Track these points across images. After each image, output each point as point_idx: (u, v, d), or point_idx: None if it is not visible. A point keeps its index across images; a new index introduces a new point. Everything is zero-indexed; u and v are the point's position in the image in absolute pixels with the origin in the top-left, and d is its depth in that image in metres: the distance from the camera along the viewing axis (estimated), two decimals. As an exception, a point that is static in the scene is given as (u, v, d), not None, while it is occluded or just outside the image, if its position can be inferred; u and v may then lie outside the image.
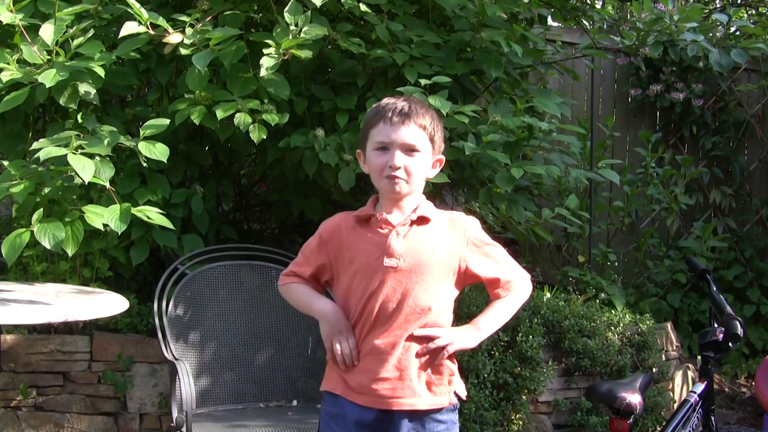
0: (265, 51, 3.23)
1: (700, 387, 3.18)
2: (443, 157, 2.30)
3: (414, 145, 2.19)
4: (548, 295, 4.47)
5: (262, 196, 4.54)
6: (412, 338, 2.18)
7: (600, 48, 4.62)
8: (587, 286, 4.93)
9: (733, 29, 5.93)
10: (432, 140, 2.23)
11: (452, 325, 2.27)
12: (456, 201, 4.51)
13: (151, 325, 3.63)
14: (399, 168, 2.18)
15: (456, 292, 2.27)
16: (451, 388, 2.25)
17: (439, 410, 2.23)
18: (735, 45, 5.56)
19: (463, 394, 2.29)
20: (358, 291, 2.21)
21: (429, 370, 2.21)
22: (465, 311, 3.94)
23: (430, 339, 2.19)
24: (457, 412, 2.29)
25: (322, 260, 2.29)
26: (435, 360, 2.20)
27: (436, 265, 2.20)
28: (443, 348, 2.20)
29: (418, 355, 2.19)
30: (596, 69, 5.22)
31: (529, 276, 2.35)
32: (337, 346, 2.20)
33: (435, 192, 3.70)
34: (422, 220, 2.24)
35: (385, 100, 2.27)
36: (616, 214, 5.76)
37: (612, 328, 4.30)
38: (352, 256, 2.23)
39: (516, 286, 2.29)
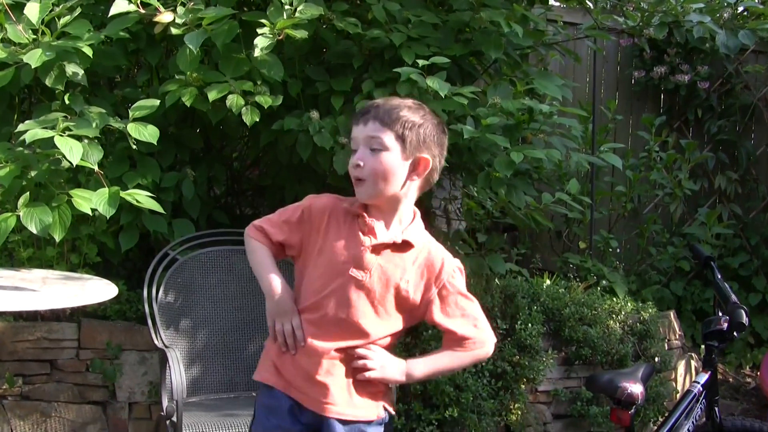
0: (259, 31, 3.22)
1: (704, 377, 3.19)
2: (428, 158, 2.18)
3: (376, 140, 2.13)
4: (548, 282, 4.48)
5: (255, 180, 4.53)
6: (346, 350, 2.18)
7: (603, 29, 4.61)
8: (588, 274, 4.94)
9: (740, 9, 5.91)
10: (401, 137, 2.13)
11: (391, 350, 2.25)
12: (454, 185, 4.51)
13: (140, 312, 3.63)
14: (358, 165, 2.14)
15: (402, 327, 2.24)
16: (379, 402, 2.24)
17: (368, 422, 2.22)
18: (743, 26, 5.56)
19: (392, 409, 2.28)
20: (316, 284, 2.19)
21: (357, 383, 2.20)
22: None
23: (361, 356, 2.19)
24: (383, 426, 2.26)
25: (296, 237, 2.25)
26: (356, 376, 2.19)
27: (397, 297, 2.18)
28: (367, 370, 2.18)
29: (346, 366, 2.19)
30: (599, 51, 5.22)
31: (494, 340, 2.27)
32: (279, 326, 2.20)
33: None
34: (405, 246, 2.19)
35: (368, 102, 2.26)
36: (618, 199, 5.76)
37: (613, 316, 4.31)
38: (323, 247, 2.20)
39: (475, 345, 2.23)
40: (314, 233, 2.22)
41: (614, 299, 4.53)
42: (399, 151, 2.14)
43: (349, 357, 2.18)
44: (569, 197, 4.23)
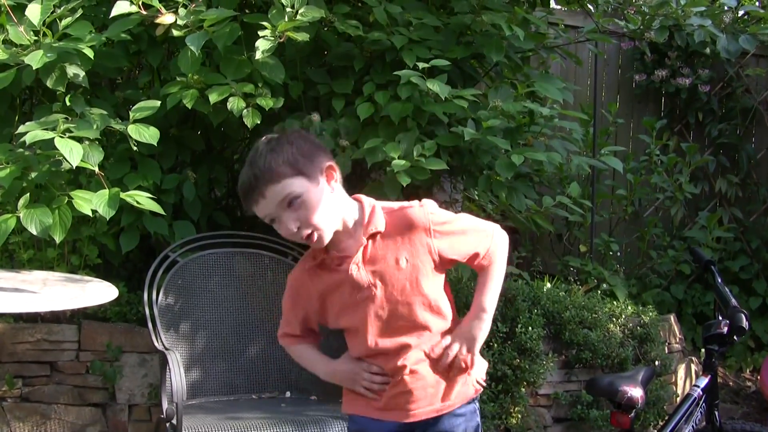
0: (260, 33, 3.23)
1: (704, 381, 3.19)
2: (330, 163, 2.10)
3: (286, 197, 2.03)
4: (548, 285, 4.48)
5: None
6: (420, 353, 2.17)
7: (604, 32, 4.62)
8: (588, 277, 4.94)
9: (741, 13, 5.93)
10: (297, 172, 2.04)
11: (452, 307, 2.23)
12: (455, 188, 4.51)
13: (140, 314, 3.64)
14: (297, 227, 2.05)
15: (442, 277, 2.19)
16: (470, 381, 2.24)
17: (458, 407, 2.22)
18: (744, 30, 5.56)
19: (483, 377, 2.27)
20: (351, 328, 2.20)
21: (445, 375, 2.19)
22: (463, 301, 3.96)
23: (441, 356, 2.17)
24: (475, 401, 2.27)
25: (302, 314, 2.26)
26: (458, 370, 2.19)
27: (406, 273, 2.13)
28: (461, 357, 2.17)
29: (433, 367, 2.17)
30: (600, 54, 5.22)
31: (498, 226, 2.24)
32: (360, 388, 2.19)
33: (433, 179, 3.70)
34: (374, 236, 2.13)
35: (239, 182, 2.10)
36: (619, 202, 5.77)
37: (614, 319, 4.32)
38: (329, 302, 2.19)
39: (494, 247, 2.19)
40: (311, 300, 2.22)
41: (615, 303, 4.54)
42: (306, 184, 2.05)
43: (421, 358, 2.16)
44: (570, 200, 4.23)
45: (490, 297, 2.21)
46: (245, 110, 3.30)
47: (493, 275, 2.21)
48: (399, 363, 2.15)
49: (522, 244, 5.44)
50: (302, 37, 3.26)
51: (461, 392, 2.22)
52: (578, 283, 4.80)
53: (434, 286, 2.17)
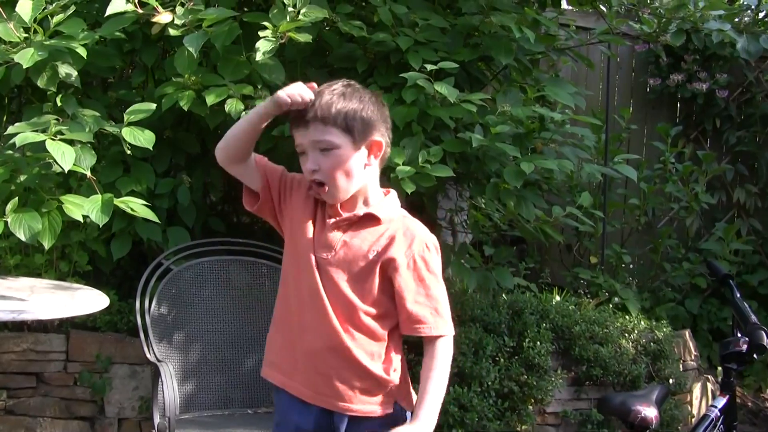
0: (260, 34, 3.25)
1: (722, 401, 3.20)
2: (380, 140, 2.21)
3: (324, 142, 2.15)
4: (557, 298, 4.51)
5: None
6: (341, 336, 2.19)
7: (617, 34, 4.64)
8: (599, 290, 4.97)
9: (762, 14, 5.95)
10: (348, 129, 2.15)
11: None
12: (460, 196, 4.54)
13: (132, 324, 3.66)
14: (315, 170, 2.16)
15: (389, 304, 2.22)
16: (390, 398, 2.25)
17: (373, 417, 2.23)
18: (764, 31, 5.58)
19: (406, 404, 2.27)
20: (288, 275, 2.26)
21: (362, 376, 2.21)
22: (468, 314, 3.99)
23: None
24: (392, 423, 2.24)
25: (276, 175, 2.29)
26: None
27: (367, 264, 2.19)
28: None
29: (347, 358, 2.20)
30: (612, 56, 5.25)
31: (452, 332, 2.23)
32: (285, 96, 2.16)
33: (438, 186, 3.72)
34: (371, 220, 2.22)
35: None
36: (632, 212, 5.79)
37: (626, 334, 4.34)
38: (298, 223, 2.24)
39: (429, 331, 2.19)
40: (287, 200, 2.28)
41: (627, 317, 4.56)
42: (349, 144, 2.16)
43: (347, 350, 2.18)
44: (581, 210, 4.25)
45: (431, 408, 2.16)
46: (243, 112, 3.30)
47: (435, 385, 2.17)
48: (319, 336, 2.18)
49: (530, 255, 5.47)
50: (304, 37, 3.29)
51: (373, 404, 2.23)
52: (588, 296, 4.82)
53: (376, 297, 2.20)
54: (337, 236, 2.20)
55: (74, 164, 3.17)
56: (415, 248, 2.21)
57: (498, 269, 4.15)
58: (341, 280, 2.18)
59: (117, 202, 3.28)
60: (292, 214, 2.26)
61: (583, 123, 4.29)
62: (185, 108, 3.36)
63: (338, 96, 2.17)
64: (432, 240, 2.26)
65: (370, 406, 2.22)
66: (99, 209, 3.24)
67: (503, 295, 4.25)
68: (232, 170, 2.30)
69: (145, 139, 3.31)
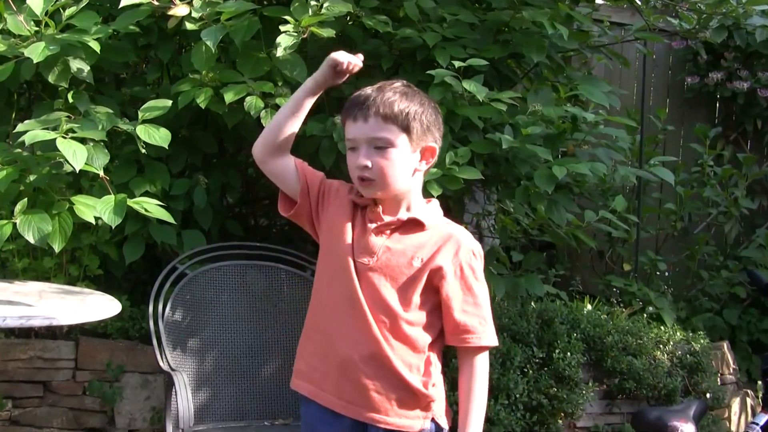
0: (281, 28, 3.24)
1: (763, 418, 3.17)
2: (434, 146, 2.24)
3: (382, 139, 2.17)
4: (589, 307, 4.49)
5: (271, 188, 4.55)
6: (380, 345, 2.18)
7: (654, 30, 4.60)
8: (633, 298, 4.94)
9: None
10: (407, 129, 2.18)
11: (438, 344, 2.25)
12: (488, 199, 4.52)
13: (144, 331, 3.67)
14: (366, 167, 2.17)
15: (433, 314, 2.23)
16: (427, 414, 2.24)
17: None
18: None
19: (444, 421, 2.27)
20: (323, 280, 2.27)
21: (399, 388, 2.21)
22: (496, 323, 3.95)
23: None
24: None
25: (317, 179, 2.32)
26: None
27: (411, 272, 2.20)
28: None
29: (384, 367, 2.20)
30: (649, 54, 5.22)
31: (496, 342, 2.27)
32: (339, 59, 2.25)
33: (465, 189, 3.71)
34: (415, 226, 2.24)
35: (356, 93, 2.26)
36: (667, 217, 5.76)
37: (661, 346, 4.31)
38: (329, 232, 2.27)
39: (478, 340, 2.22)
40: (323, 207, 2.30)
41: (661, 327, 4.53)
42: (407, 145, 2.19)
43: (386, 359, 2.18)
44: (614, 214, 4.23)
45: (474, 423, 2.22)
46: (263, 111, 3.32)
47: (478, 399, 2.22)
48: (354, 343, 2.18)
49: (560, 262, 5.44)
50: (327, 33, 3.28)
51: (412, 418, 2.22)
52: (621, 305, 4.79)
53: (419, 305, 2.21)
54: (378, 241, 2.21)
55: (86, 164, 3.17)
56: (462, 256, 2.23)
57: (527, 276, 4.13)
58: (383, 286, 2.19)
59: (130, 203, 3.28)
60: (330, 219, 2.28)
61: (617, 124, 4.27)
62: (202, 106, 3.36)
63: (401, 95, 2.20)
64: (477, 247, 2.28)
65: (407, 420, 2.21)
66: (111, 210, 3.24)
67: (532, 304, 4.23)
68: (270, 166, 2.32)
69: (160, 137, 3.31)
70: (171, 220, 3.35)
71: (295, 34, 3.24)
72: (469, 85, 3.31)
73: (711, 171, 5.75)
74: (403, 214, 2.24)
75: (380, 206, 2.24)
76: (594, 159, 3.92)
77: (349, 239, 2.22)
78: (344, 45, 3.76)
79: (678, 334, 4.49)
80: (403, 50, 3.72)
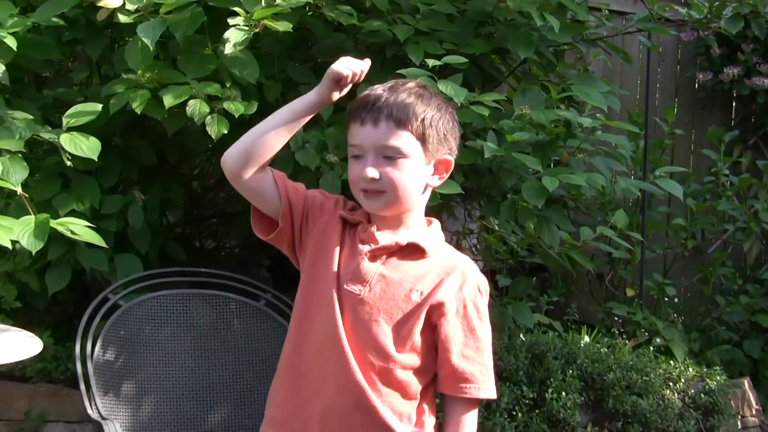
0: (230, 21, 3.25)
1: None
2: (450, 158, 2.26)
3: (393, 148, 2.17)
4: (587, 339, 4.52)
5: (221, 204, 4.57)
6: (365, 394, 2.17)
7: (659, 20, 4.65)
8: (637, 328, 4.98)
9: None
10: (422, 138, 2.18)
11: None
12: (469, 216, 4.56)
13: (71, 373, 3.66)
14: (374, 179, 2.17)
15: (429, 358, 2.23)
16: None
17: None
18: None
19: None
20: (303, 308, 2.26)
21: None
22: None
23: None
24: None
25: (300, 197, 2.30)
26: None
27: (408, 308, 2.19)
28: None
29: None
30: (654, 48, 5.27)
31: (495, 394, 2.27)
32: (343, 66, 2.21)
33: (443, 205, 3.74)
34: (415, 251, 2.23)
35: (366, 91, 2.25)
36: (677, 235, 5.81)
37: (670, 383, 4.35)
38: (313, 257, 2.26)
39: (476, 392, 2.22)
40: (311, 227, 2.29)
41: (671, 362, 4.57)
42: (420, 155, 2.20)
43: (372, 410, 2.17)
44: (615, 232, 4.27)
45: None
46: (209, 117, 3.33)
47: None
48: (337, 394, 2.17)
49: (553, 287, 5.49)
50: (283, 26, 3.30)
51: None
52: (624, 336, 4.83)
53: (416, 345, 2.20)
54: (372, 268, 2.20)
55: (1, 179, 3.17)
56: (466, 291, 2.23)
57: (515, 304, 4.16)
58: (374, 322, 2.18)
59: (53, 224, 3.27)
60: (315, 242, 2.27)
61: (617, 128, 4.30)
62: (138, 111, 3.36)
63: (416, 97, 2.21)
64: (484, 282, 2.28)
65: None
66: (31, 233, 3.22)
67: (521, 336, 4.26)
68: (246, 183, 2.27)
69: (88, 147, 3.30)
70: (102, 243, 3.34)
71: (246, 27, 3.25)
72: (445, 87, 3.33)
73: (727, 181, 5.80)
74: (402, 237, 2.24)
75: (374, 225, 2.24)
76: (591, 169, 3.95)
77: (335, 265, 2.21)
78: (303, 39, 3.82)
79: (690, 369, 4.52)
80: (371, 46, 3.75)
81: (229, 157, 2.27)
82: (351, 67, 2.20)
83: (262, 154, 2.25)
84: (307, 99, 2.26)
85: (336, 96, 2.25)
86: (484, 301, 2.26)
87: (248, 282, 3.66)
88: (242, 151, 2.26)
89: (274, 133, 2.26)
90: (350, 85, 2.25)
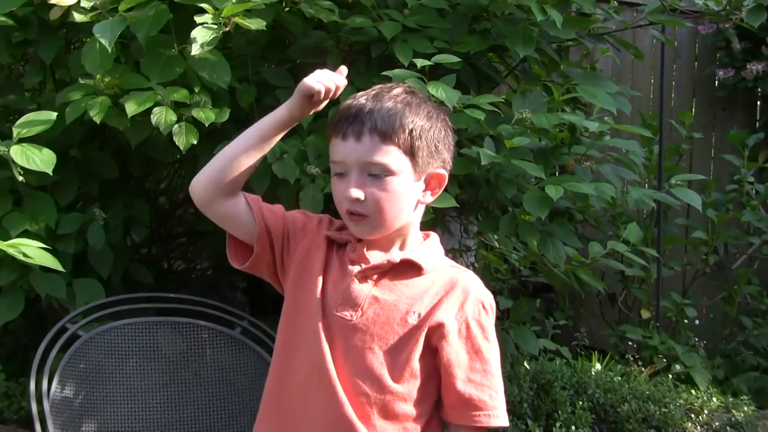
0: (197, 19, 3.24)
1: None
2: (443, 172, 2.25)
3: (378, 165, 2.16)
4: (598, 366, 4.54)
5: (191, 221, 4.57)
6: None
7: (674, 12, 4.67)
8: (654, 354, 4.99)
9: None
10: (411, 152, 2.17)
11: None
12: (466, 231, 4.58)
13: (24, 412, 3.66)
14: (358, 200, 2.16)
15: (430, 384, 2.23)
16: None
17: None
18: None
19: None
20: (289, 336, 2.26)
21: None
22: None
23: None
24: None
25: (278, 235, 2.30)
26: None
27: (404, 331, 2.18)
28: None
29: None
30: (668, 42, 5.31)
31: (507, 422, 2.25)
32: (315, 81, 2.20)
33: (437, 220, 3.76)
34: (410, 269, 2.23)
35: (348, 100, 2.24)
36: (696, 249, 5.82)
37: (692, 415, 4.35)
38: (298, 281, 2.26)
39: (487, 419, 2.20)
40: (293, 250, 2.29)
41: (692, 391, 4.57)
42: (410, 171, 2.19)
43: None
44: (627, 247, 4.29)
45: None
46: (176, 126, 3.34)
47: None
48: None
49: (560, 309, 5.50)
50: (256, 24, 3.30)
51: None
52: (640, 363, 4.84)
53: (415, 373, 2.20)
54: (363, 290, 2.20)
55: (-56, 197, 3.19)
56: (468, 309, 2.21)
57: (517, 328, 4.18)
58: (369, 349, 2.17)
59: (4, 246, 3.27)
60: (299, 266, 2.27)
61: (628, 133, 4.32)
62: (97, 120, 3.35)
63: (403, 105, 2.19)
64: (489, 298, 2.27)
65: None
66: (-21, 256, 3.24)
67: (525, 364, 4.27)
68: (217, 210, 2.29)
69: (42, 160, 3.30)
70: (59, 267, 3.34)
71: (215, 26, 3.24)
72: (437, 89, 3.34)
73: (751, 189, 5.80)
74: (394, 254, 2.24)
75: (364, 243, 2.24)
76: (599, 178, 3.97)
77: (320, 289, 2.21)
78: (279, 39, 3.83)
79: (714, 399, 4.53)
80: (354, 45, 3.77)
81: (197, 185, 2.30)
82: (324, 81, 2.19)
83: (232, 180, 2.26)
84: (277, 116, 2.26)
85: (309, 112, 2.26)
86: (489, 319, 2.24)
87: (222, 308, 3.66)
88: (210, 178, 2.28)
89: (244, 157, 2.27)
90: (325, 102, 2.25)
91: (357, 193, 2.15)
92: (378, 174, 2.16)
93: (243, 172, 2.27)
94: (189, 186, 2.31)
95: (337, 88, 2.22)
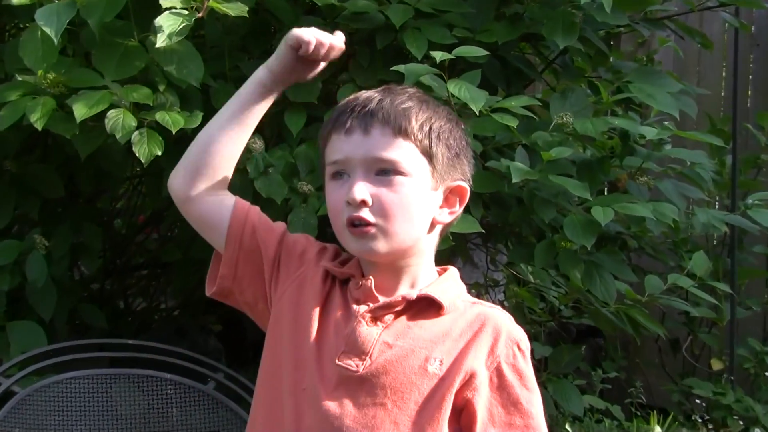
0: (163, 3, 3.23)
1: None
2: (465, 186, 2.25)
3: (388, 161, 2.15)
4: (658, 429, 4.54)
5: (153, 251, 4.59)
6: None
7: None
8: (728, 415, 5.00)
9: None
10: (429, 154, 2.17)
11: None
12: (492, 262, 4.59)
13: (-51, 484, 3.68)
14: (363, 202, 2.13)
15: None
16: None
17: None
18: None
19: None
20: (275, 389, 2.24)
21: None
22: None
23: None
24: None
25: (270, 256, 2.29)
26: None
27: (425, 384, 2.15)
28: None
29: None
30: (744, 28, 5.32)
31: None
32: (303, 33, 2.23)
33: (457, 248, 3.77)
34: (429, 307, 2.21)
35: (352, 96, 2.26)
36: (779, 285, 5.83)
37: (775, 492, 4.38)
38: (289, 320, 2.25)
39: None
40: (282, 280, 2.29)
41: (776, 461, 4.60)
42: (426, 176, 2.18)
43: None
44: (692, 282, 4.29)
45: None
46: (136, 132, 3.34)
47: None
48: None
49: (610, 358, 5.51)
50: (236, 9, 3.31)
51: None
52: (710, 425, 4.85)
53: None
54: (372, 334, 2.16)
55: None
56: (500, 352, 2.18)
57: (557, 382, 4.19)
58: (380, 406, 2.13)
59: (-75, 281, 3.32)
60: (288, 301, 2.26)
61: (694, 141, 4.34)
62: (39, 126, 3.35)
63: (417, 100, 2.21)
64: (523, 337, 2.23)
65: None
66: None
67: (567, 427, 4.29)
68: (196, 207, 2.32)
69: (-30, 175, 3.35)
70: (-12, 306, 3.39)
71: (185, 11, 3.25)
72: (458, 88, 3.36)
73: None
74: (408, 290, 2.22)
75: (370, 277, 2.23)
76: (658, 197, 3.99)
77: (314, 332, 2.19)
78: (263, 26, 3.85)
79: (803, 471, 4.56)
80: (355, 33, 3.77)
81: (174, 176, 2.32)
82: (317, 34, 2.21)
83: (212, 166, 2.29)
84: (255, 77, 2.29)
85: (292, 77, 2.28)
86: (526, 362, 2.20)
87: (192, 357, 3.67)
88: (188, 165, 2.31)
89: (223, 134, 2.30)
90: (315, 69, 2.28)
91: (362, 193, 2.13)
92: (387, 170, 2.15)
93: (225, 156, 2.30)
94: (168, 181, 2.33)
95: (330, 48, 2.24)
